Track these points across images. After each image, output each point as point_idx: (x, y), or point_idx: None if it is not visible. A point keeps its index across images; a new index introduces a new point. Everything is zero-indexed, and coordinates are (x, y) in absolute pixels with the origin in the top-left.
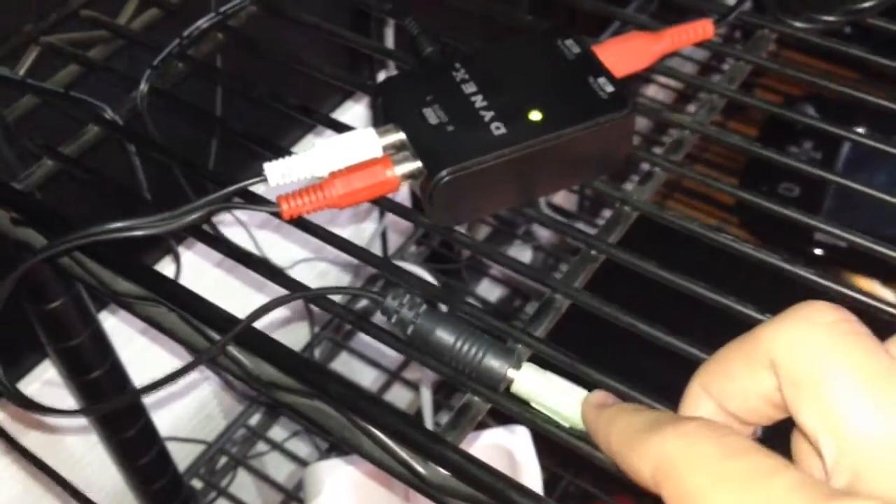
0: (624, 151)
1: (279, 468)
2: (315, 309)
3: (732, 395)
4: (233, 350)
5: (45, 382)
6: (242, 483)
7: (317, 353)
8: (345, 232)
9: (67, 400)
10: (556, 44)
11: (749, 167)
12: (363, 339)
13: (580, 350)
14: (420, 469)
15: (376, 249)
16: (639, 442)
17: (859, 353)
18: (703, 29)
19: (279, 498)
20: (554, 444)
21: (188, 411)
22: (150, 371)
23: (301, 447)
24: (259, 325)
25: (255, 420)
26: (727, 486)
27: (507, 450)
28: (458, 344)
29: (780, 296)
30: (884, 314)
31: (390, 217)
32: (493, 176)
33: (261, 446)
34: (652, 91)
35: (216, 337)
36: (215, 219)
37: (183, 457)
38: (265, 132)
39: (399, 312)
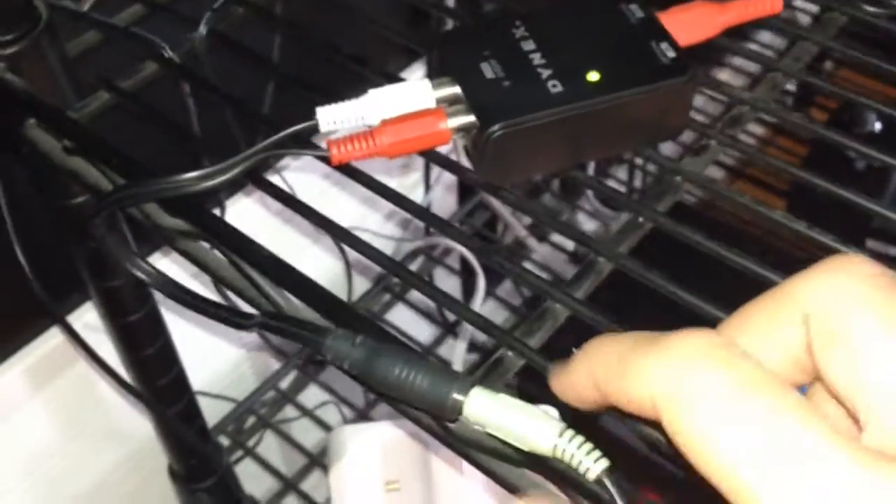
0: (681, 120)
1: (307, 435)
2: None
3: (751, 351)
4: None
5: (84, 325)
6: (269, 445)
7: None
8: (388, 205)
9: (106, 345)
10: (619, 7)
11: (808, 159)
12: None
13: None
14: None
15: (419, 228)
16: (632, 364)
17: (888, 297)
18: (772, 3)
19: (304, 462)
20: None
21: (223, 369)
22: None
23: (331, 415)
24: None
25: (285, 383)
26: (743, 427)
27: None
28: (402, 375)
29: None
30: None
31: (434, 194)
32: (546, 134)
33: (290, 412)
34: (721, 76)
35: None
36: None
37: (214, 414)
38: (321, 83)
39: (334, 349)
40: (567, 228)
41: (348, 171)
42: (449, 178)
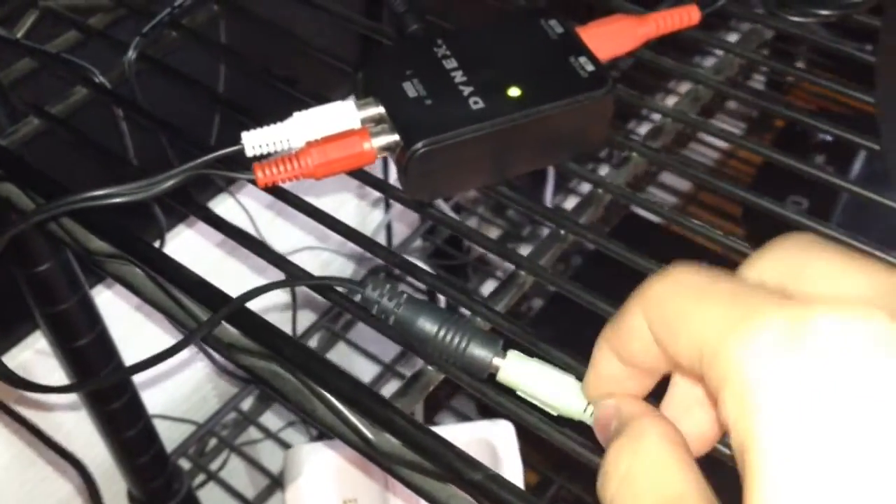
0: (602, 133)
1: (271, 457)
2: (316, 297)
3: (631, 347)
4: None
5: (37, 351)
6: (233, 468)
7: (314, 341)
8: (350, 222)
9: (59, 371)
10: (539, 23)
11: (757, 179)
12: (361, 332)
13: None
14: (369, 435)
15: (381, 241)
16: (628, 302)
17: (835, 247)
18: (689, 15)
19: (266, 483)
20: (548, 446)
21: (182, 392)
22: (142, 347)
23: (295, 437)
24: (256, 310)
25: (247, 405)
26: (711, 302)
27: (490, 443)
28: (442, 333)
29: None
30: None
31: (396, 209)
32: (468, 150)
33: (254, 433)
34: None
35: (201, 316)
36: (216, 203)
37: (175, 437)
38: (257, 106)
39: (380, 303)
40: (490, 243)
41: (288, 197)
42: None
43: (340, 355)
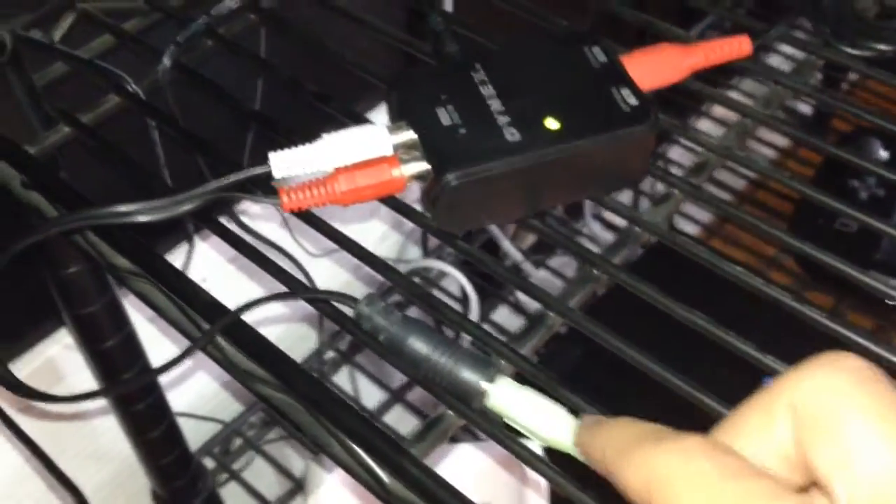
0: (643, 167)
1: (296, 459)
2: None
3: (747, 454)
4: (220, 340)
5: (66, 346)
6: (256, 469)
7: (343, 344)
8: (383, 226)
9: (87, 369)
10: (582, 50)
11: (805, 200)
12: (371, 358)
13: (574, 377)
14: (384, 478)
15: (416, 247)
16: (635, 452)
17: (878, 397)
18: (740, 45)
19: (290, 486)
20: (578, 464)
21: (209, 391)
22: (172, 348)
23: None
24: (269, 331)
25: None
26: (710, 493)
27: (518, 462)
28: (433, 354)
29: (803, 345)
30: None
31: None
32: (502, 183)
33: (280, 433)
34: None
35: (205, 325)
36: (248, 203)
37: (201, 436)
38: (291, 122)
39: (372, 319)
40: (517, 279)
41: (309, 219)
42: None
43: (345, 381)
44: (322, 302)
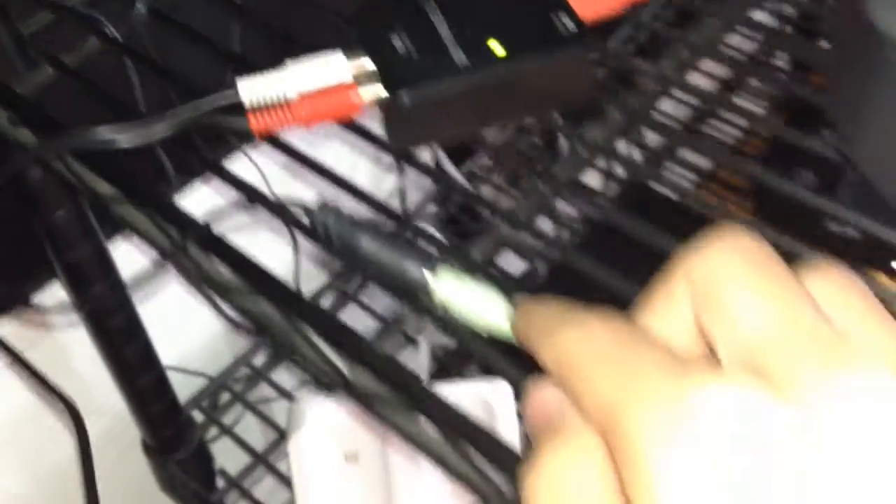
0: (583, 90)
1: (282, 414)
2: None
3: (655, 328)
4: (193, 250)
5: (58, 301)
6: (244, 423)
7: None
8: (363, 186)
9: (80, 331)
10: None
11: (770, 154)
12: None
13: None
14: (347, 374)
15: (394, 206)
16: (548, 335)
17: (760, 265)
18: None
19: (275, 437)
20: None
21: (195, 347)
22: (159, 302)
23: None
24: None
25: (259, 361)
26: (609, 369)
27: (487, 402)
28: (381, 253)
29: None
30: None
31: (410, 175)
32: (451, 102)
33: (267, 391)
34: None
35: (177, 237)
36: (229, 161)
37: (189, 391)
38: (266, 64)
39: (327, 224)
40: (469, 197)
41: (310, 163)
42: (425, 157)
43: (352, 317)
44: (279, 210)
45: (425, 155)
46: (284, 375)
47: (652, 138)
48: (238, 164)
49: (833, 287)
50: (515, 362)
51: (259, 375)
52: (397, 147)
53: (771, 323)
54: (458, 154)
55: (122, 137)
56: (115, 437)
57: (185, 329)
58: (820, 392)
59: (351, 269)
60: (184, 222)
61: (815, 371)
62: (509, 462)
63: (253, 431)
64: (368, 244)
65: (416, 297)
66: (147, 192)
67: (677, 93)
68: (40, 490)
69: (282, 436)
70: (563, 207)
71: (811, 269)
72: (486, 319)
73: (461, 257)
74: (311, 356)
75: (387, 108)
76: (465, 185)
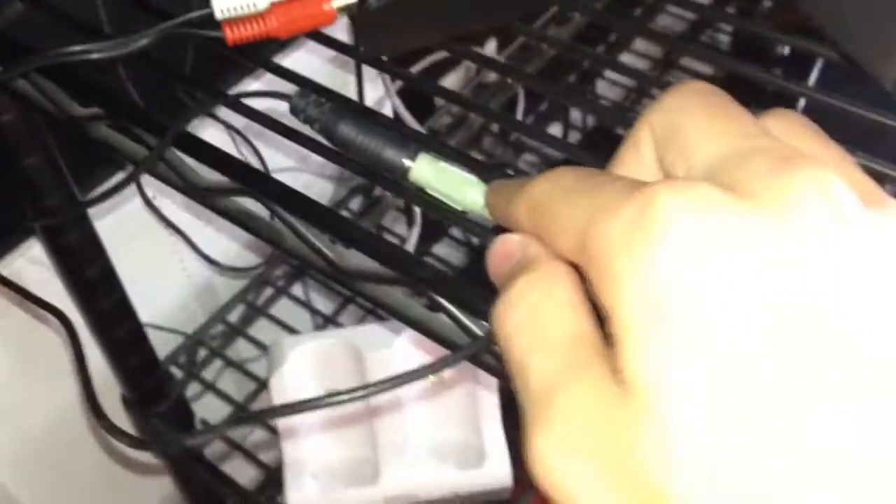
0: None
1: (259, 368)
2: None
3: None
4: (174, 155)
5: (30, 259)
6: (223, 379)
7: None
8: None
9: (54, 282)
10: None
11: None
12: None
13: None
14: (331, 255)
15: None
16: (516, 192)
17: (712, 103)
18: None
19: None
20: None
21: (170, 306)
22: (134, 266)
23: None
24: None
25: (234, 318)
26: (578, 200)
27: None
28: (360, 138)
29: None
30: None
31: (369, 74)
32: (419, 6)
33: (244, 347)
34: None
35: (152, 142)
36: (195, 126)
37: (166, 350)
38: None
39: (306, 111)
40: (448, 93)
41: (272, 67)
42: (386, 110)
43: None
44: (238, 103)
45: (386, 108)
46: (259, 332)
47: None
48: (202, 129)
49: (789, 124)
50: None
51: (235, 331)
52: (368, 55)
53: (729, 143)
54: (420, 111)
55: (100, 52)
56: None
57: (158, 289)
58: (776, 193)
59: (330, 152)
60: (160, 127)
61: (771, 176)
62: None
63: (231, 387)
64: (349, 129)
65: (394, 180)
66: (120, 104)
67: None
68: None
69: (261, 385)
70: (524, 167)
71: (768, 112)
72: (461, 198)
73: (437, 145)
74: (296, 244)
75: (357, 15)
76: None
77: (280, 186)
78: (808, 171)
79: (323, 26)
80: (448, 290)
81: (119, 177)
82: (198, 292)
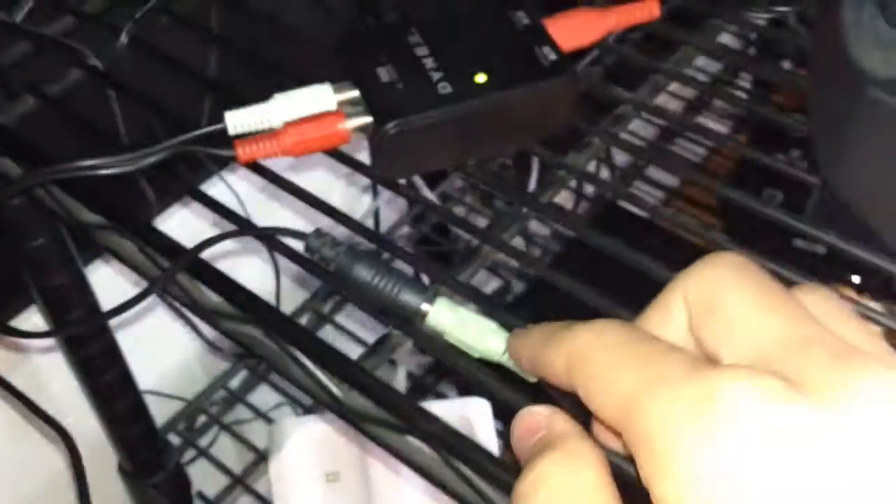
0: (564, 118)
1: (259, 436)
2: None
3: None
4: (182, 279)
5: (33, 326)
6: (222, 445)
7: (304, 320)
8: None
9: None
10: (507, 14)
11: (737, 173)
12: (351, 314)
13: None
14: (338, 393)
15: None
16: (553, 339)
17: (753, 279)
18: (650, 9)
19: (253, 458)
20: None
21: (171, 371)
22: (139, 324)
23: (283, 416)
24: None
25: (236, 383)
26: (627, 364)
27: (466, 419)
28: (376, 280)
29: None
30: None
31: (384, 196)
32: (436, 131)
33: (243, 413)
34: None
35: (166, 265)
36: (206, 186)
37: (165, 414)
38: (246, 92)
39: (320, 251)
40: (459, 222)
41: (277, 179)
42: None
43: (327, 337)
44: (271, 238)
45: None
46: (260, 398)
47: (621, 158)
48: (214, 189)
49: (823, 302)
50: (495, 379)
51: (235, 398)
52: (384, 175)
53: (780, 330)
54: (433, 176)
55: (112, 167)
56: (89, 465)
57: (161, 353)
58: (843, 392)
59: (346, 296)
60: (173, 250)
61: (834, 372)
62: (503, 477)
63: (230, 454)
64: (364, 272)
65: (408, 324)
66: (133, 219)
67: (645, 114)
68: None
69: (259, 457)
70: (535, 227)
71: (799, 289)
72: (480, 345)
73: (451, 283)
74: (303, 379)
75: (373, 139)
76: (438, 203)
77: (292, 325)
78: (871, 372)
79: (337, 146)
80: (460, 449)
81: None
82: (200, 356)
